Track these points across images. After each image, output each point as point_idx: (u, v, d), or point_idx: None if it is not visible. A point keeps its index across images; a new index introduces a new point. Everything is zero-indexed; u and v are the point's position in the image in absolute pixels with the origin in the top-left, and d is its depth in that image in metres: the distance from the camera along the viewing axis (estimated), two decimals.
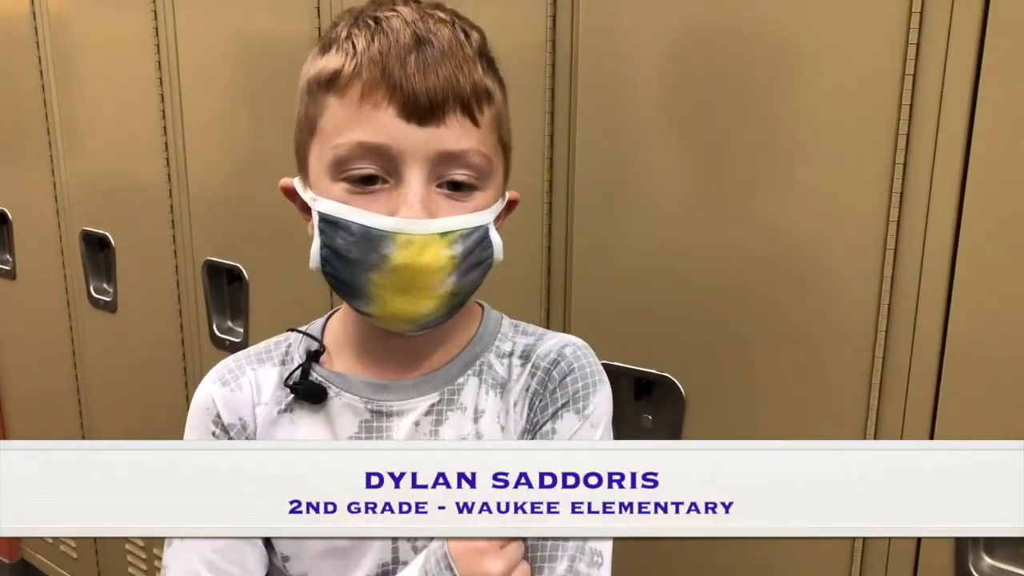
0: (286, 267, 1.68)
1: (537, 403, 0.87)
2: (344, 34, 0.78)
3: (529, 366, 0.88)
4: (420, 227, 0.76)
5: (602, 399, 0.87)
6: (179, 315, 1.92)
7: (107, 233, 2.05)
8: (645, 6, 1.15)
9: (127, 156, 1.94)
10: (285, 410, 0.87)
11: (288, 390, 0.87)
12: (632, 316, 1.24)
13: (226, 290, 1.84)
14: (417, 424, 0.85)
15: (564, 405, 0.86)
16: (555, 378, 0.87)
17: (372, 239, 0.76)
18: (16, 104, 2.18)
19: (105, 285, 2.12)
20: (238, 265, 1.77)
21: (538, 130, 1.26)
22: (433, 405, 0.86)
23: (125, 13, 1.83)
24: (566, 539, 0.81)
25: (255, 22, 1.62)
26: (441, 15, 0.79)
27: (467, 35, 0.79)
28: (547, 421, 0.86)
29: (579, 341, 0.91)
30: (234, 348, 1.79)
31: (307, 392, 0.86)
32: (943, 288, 1.00)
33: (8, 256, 2.38)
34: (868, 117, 1.01)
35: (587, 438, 0.85)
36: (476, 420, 0.86)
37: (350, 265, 0.78)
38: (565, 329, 1.32)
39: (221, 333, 1.85)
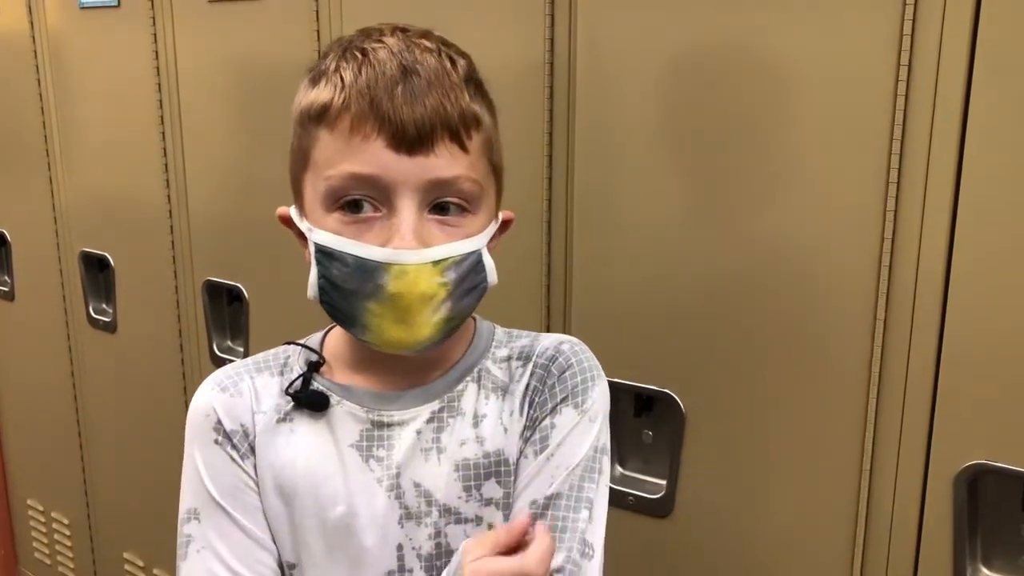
0: (286, 287, 1.68)
1: (536, 399, 0.88)
2: (332, 66, 0.80)
3: (531, 365, 0.90)
4: (413, 257, 0.77)
5: (600, 393, 0.89)
6: (179, 335, 1.92)
7: (106, 254, 2.06)
8: (641, 28, 1.16)
9: (127, 176, 1.95)
10: (284, 419, 0.88)
11: (288, 399, 0.88)
12: (632, 332, 1.25)
13: (226, 310, 1.85)
14: (419, 432, 0.87)
15: (563, 400, 0.87)
16: (553, 373, 0.88)
17: (367, 270, 0.77)
18: (15, 124, 2.19)
19: (105, 305, 2.12)
20: (238, 285, 1.78)
21: (537, 150, 1.28)
22: (434, 413, 0.87)
23: (124, 33, 1.84)
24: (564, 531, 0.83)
25: (255, 43, 1.64)
26: (427, 44, 0.80)
27: (453, 62, 0.80)
28: (546, 416, 0.87)
29: (575, 339, 0.92)
30: None
31: (309, 400, 0.87)
32: (938, 305, 1.01)
33: (7, 277, 2.38)
34: (862, 133, 1.02)
35: (586, 432, 0.86)
36: (476, 424, 0.87)
37: (346, 295, 0.79)
38: None
39: (221, 353, 1.85)
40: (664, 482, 1.27)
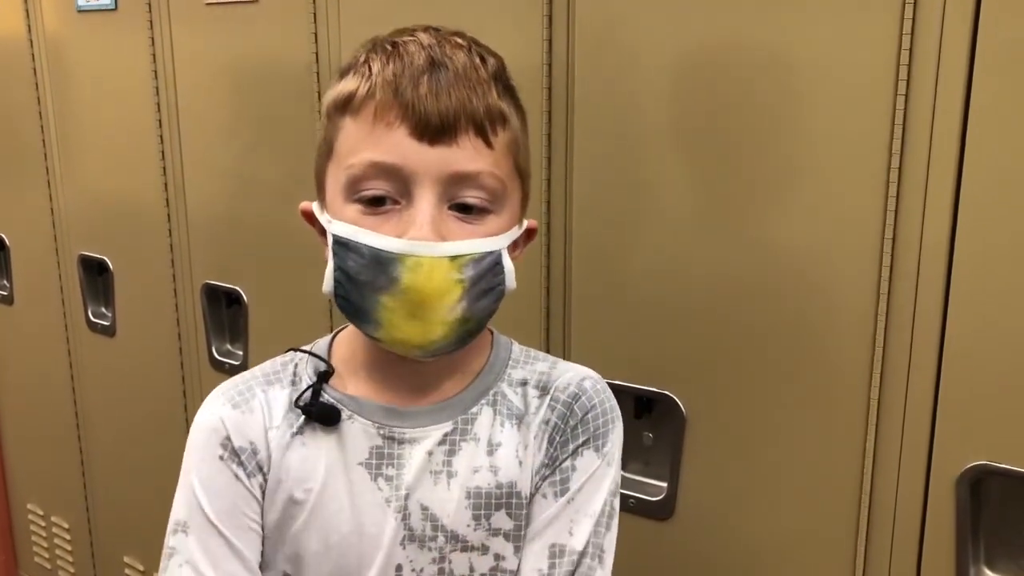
0: (285, 290, 1.68)
1: (557, 438, 0.87)
2: (362, 59, 0.80)
3: (548, 399, 0.88)
4: (429, 249, 0.75)
5: (617, 436, 0.89)
6: (178, 339, 1.92)
7: (105, 257, 2.06)
8: (640, 29, 1.16)
9: (125, 180, 1.95)
10: (297, 432, 0.86)
11: (299, 412, 0.86)
12: (632, 334, 1.25)
13: (225, 313, 1.84)
14: (430, 454, 0.85)
15: (585, 443, 0.87)
16: (576, 413, 0.87)
17: (382, 261, 0.76)
18: (13, 128, 2.19)
19: (103, 309, 2.12)
20: (237, 288, 1.78)
21: (535, 151, 1.27)
22: (446, 435, 0.86)
23: (122, 37, 1.84)
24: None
25: (252, 46, 1.63)
26: (459, 40, 0.80)
27: (483, 60, 0.80)
28: (567, 457, 0.86)
29: (595, 375, 0.91)
30: (233, 371, 1.79)
31: (320, 414, 0.85)
32: (939, 306, 1.01)
33: (5, 281, 2.38)
34: (864, 135, 1.02)
35: (604, 477, 0.87)
36: (491, 452, 0.86)
37: (360, 287, 0.78)
38: (565, 348, 1.32)
39: (220, 356, 1.85)
40: (665, 484, 1.26)
